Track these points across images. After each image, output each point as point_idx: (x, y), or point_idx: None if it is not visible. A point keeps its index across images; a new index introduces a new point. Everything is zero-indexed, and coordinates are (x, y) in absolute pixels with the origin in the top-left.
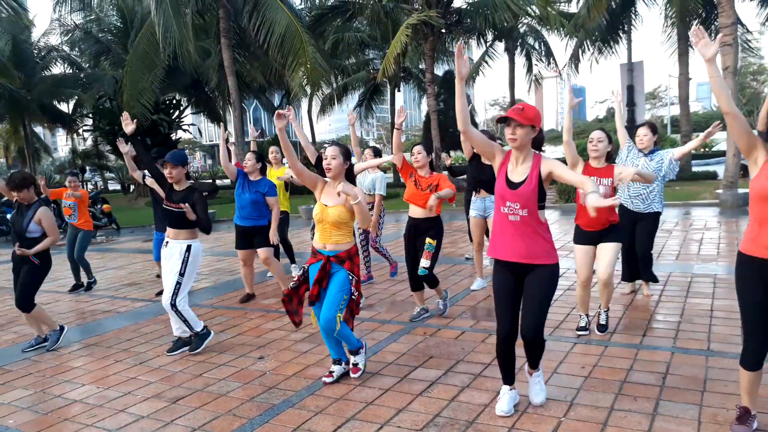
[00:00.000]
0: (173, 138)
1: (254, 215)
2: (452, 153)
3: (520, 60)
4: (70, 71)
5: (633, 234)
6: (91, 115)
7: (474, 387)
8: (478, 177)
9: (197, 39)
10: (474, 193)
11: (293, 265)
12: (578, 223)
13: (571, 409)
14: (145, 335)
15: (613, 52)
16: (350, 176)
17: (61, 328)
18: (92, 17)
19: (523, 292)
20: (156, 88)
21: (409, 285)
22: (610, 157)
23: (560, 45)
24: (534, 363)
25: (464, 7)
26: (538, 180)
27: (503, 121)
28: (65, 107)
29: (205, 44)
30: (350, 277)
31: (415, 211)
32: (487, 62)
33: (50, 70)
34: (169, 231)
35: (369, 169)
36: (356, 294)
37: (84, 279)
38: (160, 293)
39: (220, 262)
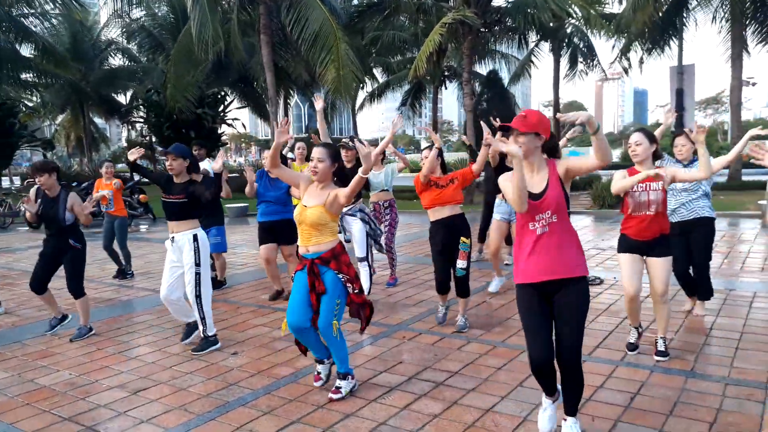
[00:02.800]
0: (218, 131)
1: (279, 209)
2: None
3: (565, 60)
4: (129, 64)
5: (683, 247)
6: (141, 107)
7: (431, 396)
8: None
9: (245, 36)
10: (500, 196)
11: None
12: (626, 232)
13: None
14: (134, 325)
15: (663, 54)
16: (342, 177)
17: (63, 317)
18: (147, 12)
19: (557, 312)
20: (202, 83)
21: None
22: (658, 157)
23: (606, 46)
24: (571, 407)
25: (504, 6)
26: (560, 182)
27: (505, 129)
28: (123, 99)
29: (253, 40)
30: (339, 277)
31: (443, 212)
32: (533, 62)
33: (109, 63)
34: (172, 225)
35: (375, 167)
36: (354, 291)
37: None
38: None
39: (228, 257)
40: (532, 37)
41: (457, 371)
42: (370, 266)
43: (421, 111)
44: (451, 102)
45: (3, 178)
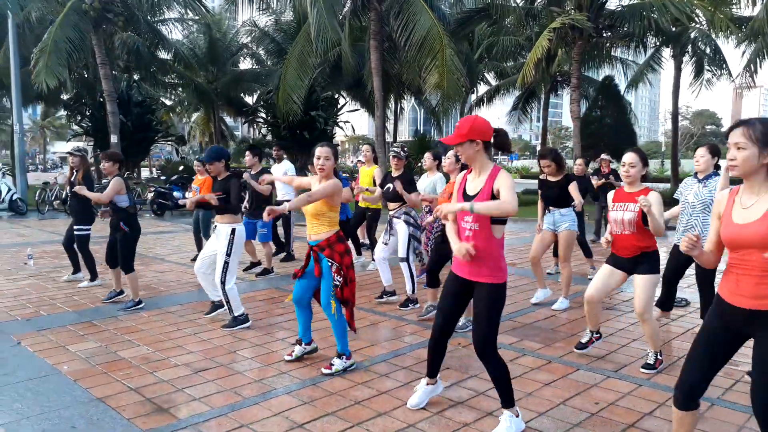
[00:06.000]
0: (329, 133)
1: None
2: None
3: (689, 68)
4: (257, 67)
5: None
6: (261, 108)
7: (468, 404)
8: (544, 193)
9: (358, 40)
10: (547, 209)
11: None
12: (611, 249)
13: None
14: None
15: None
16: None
17: (139, 302)
18: (271, 17)
19: (473, 305)
20: (318, 86)
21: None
22: (647, 179)
23: (735, 52)
24: (503, 400)
25: (618, 9)
26: (491, 194)
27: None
28: (251, 100)
29: (366, 45)
30: (329, 264)
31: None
32: (654, 68)
33: (238, 66)
34: (217, 216)
35: (428, 172)
36: (340, 280)
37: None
38: (194, 259)
39: None
40: (652, 43)
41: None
42: (409, 267)
43: (532, 116)
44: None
45: (143, 168)
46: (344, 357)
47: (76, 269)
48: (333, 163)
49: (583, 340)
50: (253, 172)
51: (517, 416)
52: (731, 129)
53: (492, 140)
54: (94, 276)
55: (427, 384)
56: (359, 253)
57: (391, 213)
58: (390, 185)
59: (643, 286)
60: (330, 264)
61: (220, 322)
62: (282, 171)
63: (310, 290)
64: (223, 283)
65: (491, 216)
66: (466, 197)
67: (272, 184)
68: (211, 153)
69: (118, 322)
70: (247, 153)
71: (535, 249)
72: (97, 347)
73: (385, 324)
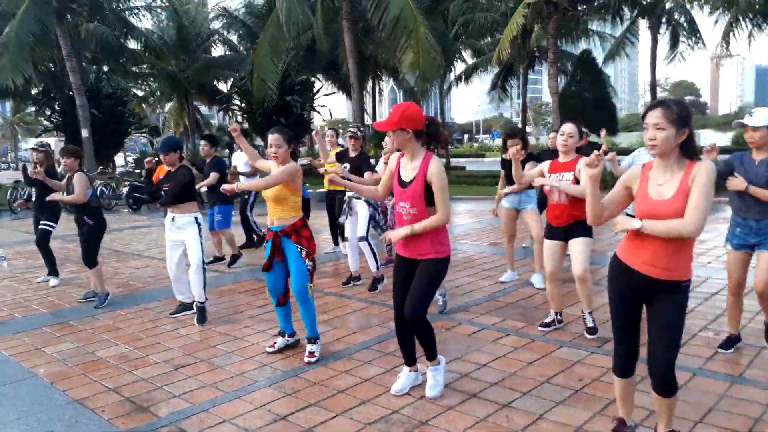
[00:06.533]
0: (306, 118)
1: None
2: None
3: (666, 39)
4: (230, 53)
5: None
6: (235, 95)
7: (452, 387)
8: (509, 173)
9: (331, 22)
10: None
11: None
12: (547, 218)
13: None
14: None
15: None
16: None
17: (107, 296)
18: (242, 1)
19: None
20: (292, 70)
21: (448, 277)
22: (579, 151)
23: (709, 21)
24: (428, 355)
25: None
26: (424, 182)
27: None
28: (225, 87)
29: (339, 27)
30: (298, 249)
31: None
32: (630, 41)
33: (210, 53)
34: (173, 208)
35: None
36: (310, 264)
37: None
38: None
39: None
40: (627, 15)
41: (486, 364)
42: (370, 245)
43: (513, 93)
44: (547, 83)
45: (118, 161)
46: (318, 340)
47: (52, 272)
48: (286, 149)
49: (546, 320)
50: (207, 161)
51: (439, 363)
52: (648, 110)
53: (424, 129)
54: (53, 271)
55: (409, 371)
56: (336, 243)
57: (350, 194)
58: (347, 165)
59: (579, 249)
60: (299, 249)
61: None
62: (243, 158)
63: (282, 279)
64: (203, 261)
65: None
66: (402, 183)
67: (236, 175)
68: (167, 143)
69: (95, 322)
70: (203, 142)
71: (507, 226)
72: (74, 348)
73: (367, 311)
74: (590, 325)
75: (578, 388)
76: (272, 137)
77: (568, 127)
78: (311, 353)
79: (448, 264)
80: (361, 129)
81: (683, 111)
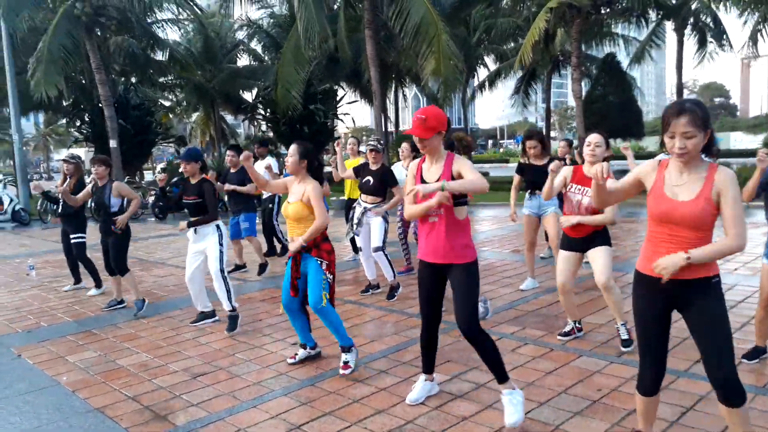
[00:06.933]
0: (329, 126)
1: None
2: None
3: (693, 41)
4: (254, 63)
5: None
6: (260, 104)
7: (467, 397)
8: (527, 177)
9: (354, 31)
10: (529, 192)
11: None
12: (564, 230)
13: None
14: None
15: None
16: (317, 175)
17: (143, 301)
18: (266, 11)
19: (452, 288)
20: (315, 79)
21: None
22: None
23: (737, 23)
24: (497, 376)
25: None
26: (451, 178)
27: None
28: (249, 97)
29: (362, 36)
30: (318, 262)
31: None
32: (656, 43)
33: (236, 63)
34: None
35: (404, 161)
36: (330, 277)
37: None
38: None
39: None
40: (652, 17)
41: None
42: (385, 254)
43: (537, 98)
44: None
45: (146, 171)
46: (353, 348)
47: (77, 280)
48: (296, 160)
49: (566, 329)
50: (233, 171)
51: (514, 389)
52: (671, 117)
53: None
54: (98, 283)
55: (426, 380)
56: (356, 251)
57: (367, 206)
58: (369, 178)
59: (600, 258)
60: (320, 262)
61: (223, 324)
62: (264, 166)
63: (300, 298)
64: (222, 271)
65: (458, 194)
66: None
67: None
68: (189, 153)
69: (117, 330)
70: (228, 152)
71: (529, 233)
72: (96, 356)
73: (384, 319)
74: (624, 337)
75: (596, 398)
76: (290, 147)
77: (595, 137)
78: (345, 363)
79: (477, 267)
80: (381, 142)
81: (705, 112)
